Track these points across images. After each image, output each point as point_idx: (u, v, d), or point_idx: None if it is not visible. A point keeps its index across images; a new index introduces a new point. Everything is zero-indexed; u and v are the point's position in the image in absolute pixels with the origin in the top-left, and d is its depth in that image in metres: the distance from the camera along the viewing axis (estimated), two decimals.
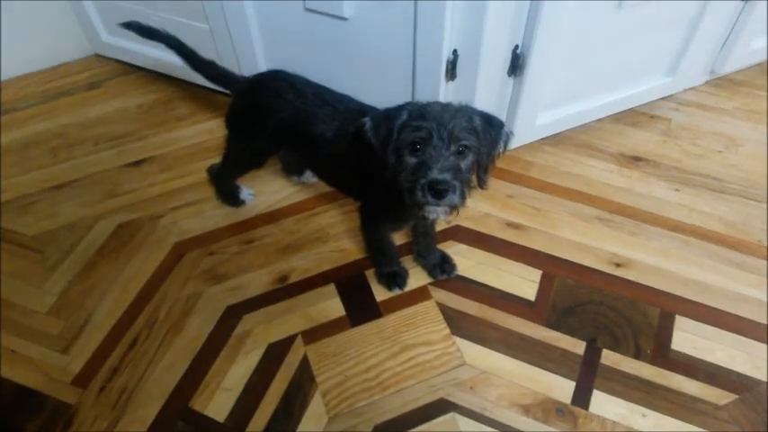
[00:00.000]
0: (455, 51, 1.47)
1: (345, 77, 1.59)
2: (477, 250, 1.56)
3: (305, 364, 1.32)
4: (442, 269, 1.49)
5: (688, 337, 1.37)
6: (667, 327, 1.39)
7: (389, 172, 1.08)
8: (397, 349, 1.35)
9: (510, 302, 1.44)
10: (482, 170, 1.11)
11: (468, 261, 1.53)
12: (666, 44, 1.80)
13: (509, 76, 1.59)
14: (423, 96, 1.55)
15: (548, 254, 1.55)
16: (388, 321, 1.41)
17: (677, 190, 1.72)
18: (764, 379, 1.30)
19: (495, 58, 1.51)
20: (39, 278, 1.51)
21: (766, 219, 1.64)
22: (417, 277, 1.50)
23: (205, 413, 1.24)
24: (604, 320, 1.40)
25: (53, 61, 2.25)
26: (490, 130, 1.07)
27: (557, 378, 1.30)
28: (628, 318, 1.41)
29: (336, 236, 1.60)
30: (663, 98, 2.03)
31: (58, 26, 2.16)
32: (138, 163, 1.83)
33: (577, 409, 1.25)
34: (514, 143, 1.77)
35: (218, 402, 1.26)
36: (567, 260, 1.53)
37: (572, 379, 1.30)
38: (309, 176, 1.72)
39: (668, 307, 1.43)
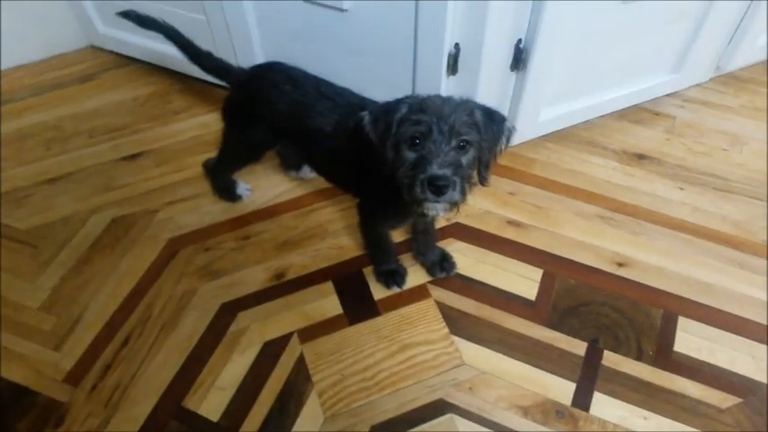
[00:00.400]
0: (457, 45, 1.44)
1: (344, 70, 1.57)
2: (477, 248, 1.54)
3: (301, 362, 1.30)
4: (441, 267, 1.46)
5: (691, 339, 1.35)
6: (670, 328, 1.37)
7: (388, 168, 1.05)
8: (395, 348, 1.33)
9: (510, 302, 1.42)
10: (483, 166, 1.08)
11: (468, 259, 1.51)
12: (672, 40, 1.77)
13: (512, 70, 1.56)
14: (423, 91, 1.52)
15: (549, 252, 1.53)
16: (387, 320, 1.39)
17: (681, 188, 1.70)
18: (767, 382, 1.28)
19: (497, 53, 1.49)
20: (32, 273, 1.48)
21: None
22: (416, 275, 1.48)
23: (199, 412, 1.23)
24: (606, 321, 1.38)
25: (48, 52, 2.22)
26: (492, 125, 1.04)
27: (557, 379, 1.28)
28: (630, 318, 1.39)
29: (334, 232, 1.58)
30: (667, 95, 2.00)
31: (54, 17, 2.13)
32: (133, 157, 1.81)
33: (578, 411, 1.23)
34: (516, 139, 1.75)
35: (212, 401, 1.24)
36: (568, 259, 1.51)
37: (572, 380, 1.28)
38: (307, 172, 1.69)
39: (671, 308, 1.41)
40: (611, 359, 1.31)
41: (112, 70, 2.16)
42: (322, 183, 1.61)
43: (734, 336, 1.36)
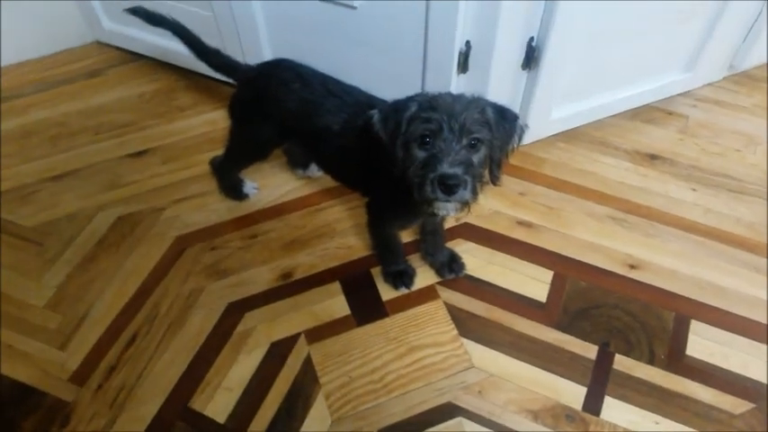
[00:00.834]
0: (468, 43, 1.42)
1: (353, 68, 1.55)
2: (486, 249, 1.52)
3: (308, 364, 1.29)
4: (450, 268, 1.45)
5: (703, 343, 1.33)
6: (682, 331, 1.35)
7: (398, 167, 1.04)
8: (404, 350, 1.32)
9: (520, 304, 1.40)
10: (495, 165, 1.06)
11: (478, 260, 1.49)
12: (685, 39, 1.74)
13: (523, 69, 1.54)
14: (433, 89, 1.50)
15: (559, 254, 1.51)
16: (395, 321, 1.37)
17: (694, 189, 1.67)
18: None
19: (509, 51, 1.47)
20: (37, 271, 1.47)
21: None
22: (425, 276, 1.46)
23: (205, 413, 1.21)
24: (617, 324, 1.36)
25: (53, 48, 2.20)
26: (504, 123, 1.02)
27: (567, 383, 1.27)
28: (642, 322, 1.37)
29: (342, 232, 1.56)
30: (680, 94, 1.98)
31: (59, 13, 2.11)
32: (139, 154, 1.79)
33: (588, 416, 1.21)
34: (527, 138, 1.73)
35: (218, 402, 1.23)
36: (579, 261, 1.49)
37: (583, 384, 1.26)
38: (315, 170, 1.68)
39: (683, 311, 1.39)
40: (622, 363, 1.30)
41: (118, 66, 2.15)
42: (329, 181, 1.59)
43: (747, 340, 1.34)
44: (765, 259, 1.50)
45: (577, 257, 1.50)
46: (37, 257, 1.50)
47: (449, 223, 1.54)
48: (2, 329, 1.36)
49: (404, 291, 1.43)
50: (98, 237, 1.55)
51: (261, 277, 1.46)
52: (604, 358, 1.31)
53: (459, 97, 1.00)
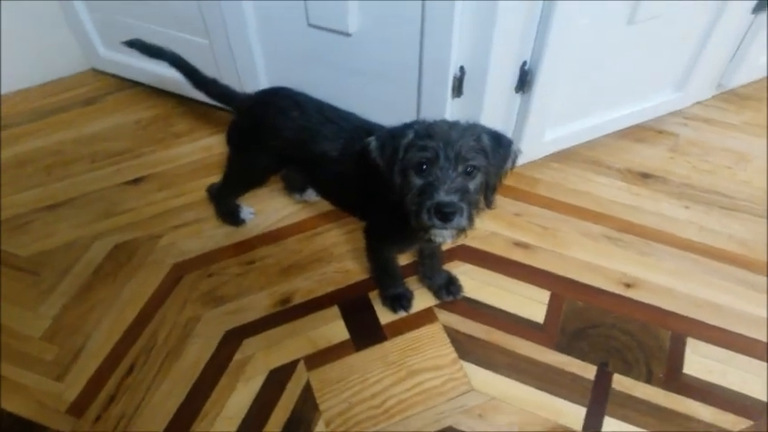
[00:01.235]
0: (462, 68, 1.44)
1: (349, 94, 1.56)
2: (483, 270, 1.52)
3: (308, 390, 1.29)
4: (447, 290, 1.45)
5: (701, 361, 1.34)
6: (679, 350, 1.36)
7: (395, 193, 1.05)
8: (403, 374, 1.31)
9: (518, 325, 1.41)
10: (490, 189, 1.07)
11: (475, 282, 1.49)
12: (676, 59, 1.77)
13: (516, 92, 1.56)
14: (428, 113, 1.53)
15: (556, 274, 1.51)
16: (394, 345, 1.37)
17: (687, 207, 1.69)
18: None
19: (502, 75, 1.48)
20: (33, 301, 1.47)
21: None
22: (422, 299, 1.46)
23: None
24: (615, 344, 1.37)
25: (49, 76, 2.21)
26: (499, 149, 1.04)
27: (567, 404, 1.27)
28: (639, 341, 1.37)
29: (339, 256, 1.57)
30: (670, 113, 2.00)
31: (55, 40, 2.12)
32: (135, 181, 1.79)
33: None
34: (521, 160, 1.73)
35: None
36: (575, 281, 1.50)
37: (583, 405, 1.26)
38: (311, 194, 1.68)
39: (679, 329, 1.40)
40: (621, 383, 1.30)
41: (114, 94, 2.16)
42: (326, 205, 1.60)
43: (744, 357, 1.34)
44: (761, 276, 1.51)
45: (574, 277, 1.51)
46: (33, 288, 1.50)
47: (446, 245, 1.55)
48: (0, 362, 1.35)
49: (402, 314, 1.43)
50: (94, 266, 1.54)
51: (259, 303, 1.46)
52: (603, 378, 1.31)
53: (456, 124, 1.01)
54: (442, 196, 0.95)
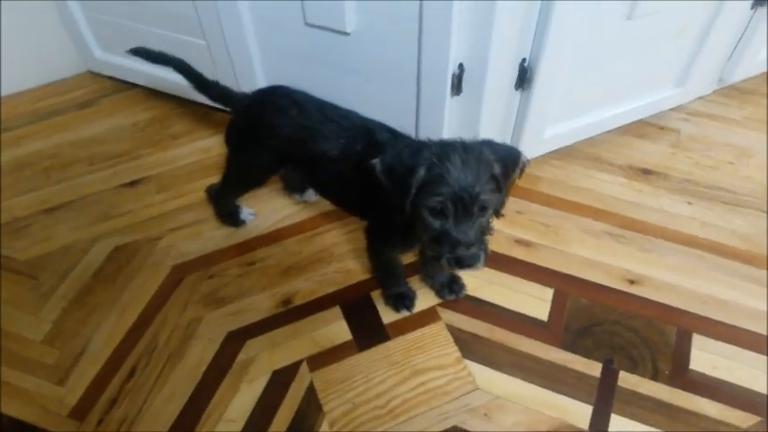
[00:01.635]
0: (461, 65, 1.43)
1: (347, 92, 1.55)
2: (486, 269, 1.50)
3: (311, 391, 1.27)
4: (450, 289, 1.44)
5: (707, 357, 1.33)
6: (684, 346, 1.35)
7: (402, 212, 1.03)
8: (407, 374, 1.30)
9: (522, 323, 1.40)
10: (500, 204, 1.06)
11: (477, 280, 1.48)
12: (676, 55, 1.76)
13: (516, 89, 1.55)
14: (428, 111, 1.52)
15: (559, 272, 1.50)
16: (397, 345, 1.36)
17: (689, 203, 1.68)
18: None
19: (501, 72, 1.47)
20: (33, 305, 1.45)
21: None
22: (425, 298, 1.45)
23: None
24: (620, 341, 1.36)
25: (45, 79, 2.20)
26: (509, 170, 1.02)
27: (573, 402, 1.26)
28: (644, 337, 1.36)
29: (340, 256, 1.56)
30: (671, 109, 1.99)
31: (50, 43, 2.11)
32: (133, 183, 1.78)
33: None
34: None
35: None
36: (579, 278, 1.49)
37: (589, 403, 1.25)
38: (311, 195, 1.67)
39: (685, 325, 1.39)
40: (627, 380, 1.29)
41: (111, 96, 2.14)
42: (326, 205, 1.60)
43: (751, 353, 1.33)
44: (763, 271, 1.50)
45: (577, 274, 1.50)
46: (32, 291, 1.48)
47: None
48: (0, 366, 1.34)
49: (405, 313, 1.42)
50: (94, 269, 1.53)
51: (260, 304, 1.45)
52: (609, 376, 1.30)
53: (468, 158, 0.96)
54: (464, 251, 0.96)
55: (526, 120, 1.61)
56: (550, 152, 1.82)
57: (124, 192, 1.76)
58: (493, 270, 1.51)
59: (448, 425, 1.22)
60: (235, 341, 1.37)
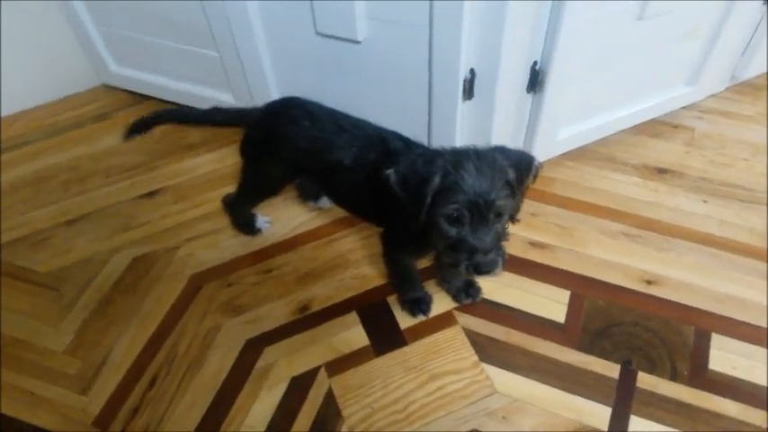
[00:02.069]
0: (472, 70, 1.43)
1: (359, 100, 1.56)
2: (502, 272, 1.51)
3: (330, 397, 1.28)
4: (466, 293, 1.44)
5: (726, 356, 1.32)
6: (703, 346, 1.34)
7: (418, 221, 1.03)
8: (425, 379, 1.31)
9: (539, 326, 1.40)
10: (515, 210, 1.07)
11: (493, 284, 1.48)
12: (688, 53, 1.76)
13: (528, 92, 1.55)
14: (440, 117, 1.53)
15: (575, 273, 1.50)
16: (414, 349, 1.37)
17: (705, 201, 1.67)
18: None
19: (513, 76, 1.48)
20: (55, 316, 1.48)
21: None
22: (441, 302, 1.46)
23: None
24: (638, 341, 1.35)
25: (61, 93, 2.23)
26: (523, 176, 1.02)
27: (592, 404, 1.25)
28: (662, 338, 1.36)
29: (356, 262, 1.57)
30: (684, 107, 1.98)
31: (65, 58, 2.14)
32: (151, 194, 1.81)
33: None
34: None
35: None
36: (595, 279, 1.49)
37: (608, 404, 1.25)
38: (326, 202, 1.69)
39: (703, 325, 1.38)
40: (645, 381, 1.29)
41: (126, 108, 2.17)
42: (341, 212, 1.60)
43: None
44: None
45: (593, 276, 1.49)
46: (54, 303, 1.51)
47: None
48: (23, 377, 1.36)
49: (421, 318, 1.42)
50: (113, 280, 1.56)
51: (278, 311, 1.46)
52: (627, 377, 1.29)
53: (482, 166, 0.96)
54: (481, 258, 0.97)
55: (539, 122, 1.61)
56: (564, 154, 1.82)
57: (142, 203, 1.78)
58: (509, 273, 1.51)
59: (467, 428, 1.22)
60: (253, 348, 1.38)
